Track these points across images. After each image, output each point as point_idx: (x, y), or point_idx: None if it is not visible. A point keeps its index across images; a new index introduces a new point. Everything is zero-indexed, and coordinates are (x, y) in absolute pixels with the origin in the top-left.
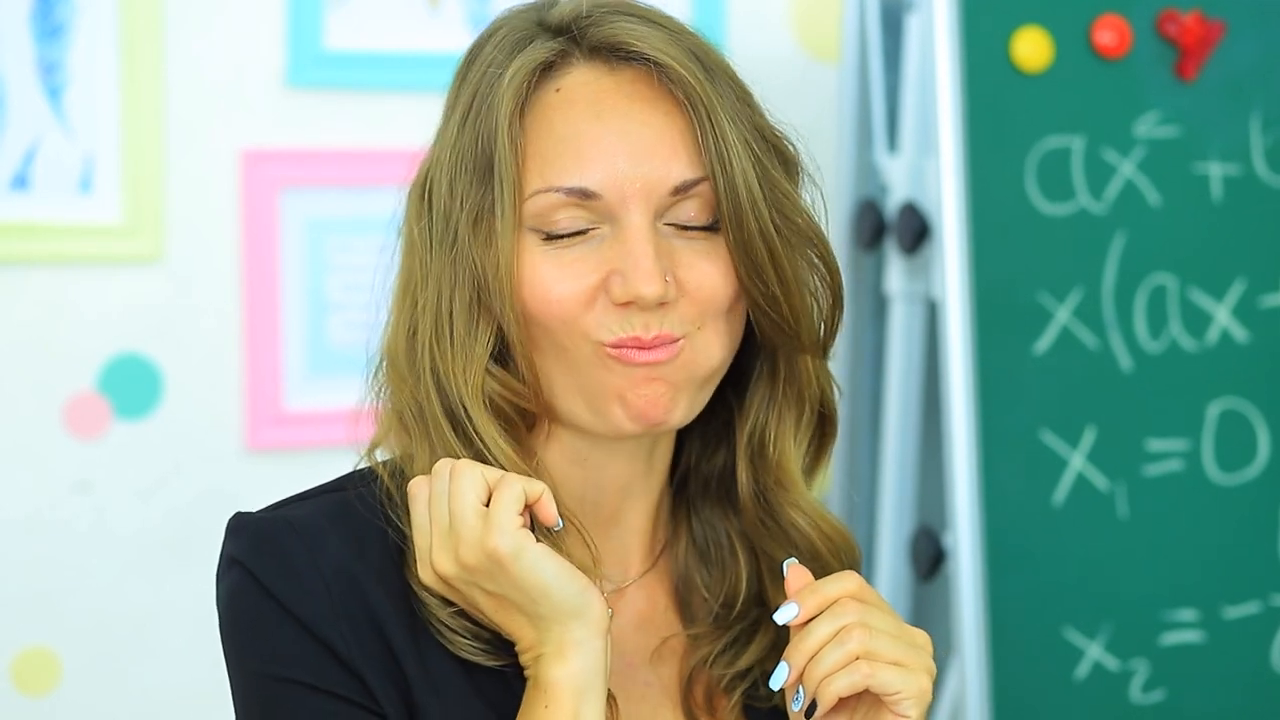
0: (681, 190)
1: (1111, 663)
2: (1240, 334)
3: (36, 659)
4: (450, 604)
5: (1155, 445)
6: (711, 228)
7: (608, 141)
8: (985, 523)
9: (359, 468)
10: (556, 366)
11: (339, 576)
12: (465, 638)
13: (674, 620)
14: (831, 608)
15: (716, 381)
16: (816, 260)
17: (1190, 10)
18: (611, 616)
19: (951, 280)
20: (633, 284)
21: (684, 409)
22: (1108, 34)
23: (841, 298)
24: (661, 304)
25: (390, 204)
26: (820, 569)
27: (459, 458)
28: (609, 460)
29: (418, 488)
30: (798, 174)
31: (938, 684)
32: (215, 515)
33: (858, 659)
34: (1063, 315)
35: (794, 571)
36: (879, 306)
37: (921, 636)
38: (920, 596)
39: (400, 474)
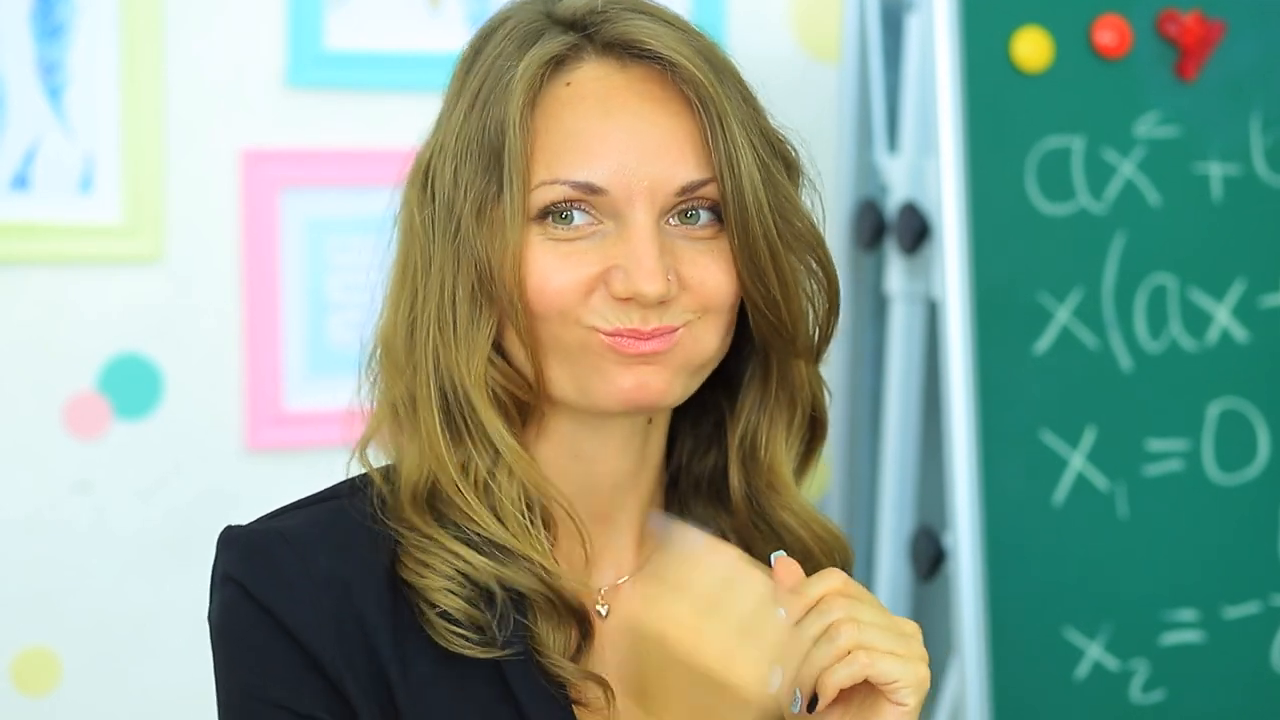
0: (688, 191)
1: (1111, 663)
2: (1240, 334)
3: (36, 659)
4: (434, 605)
5: (1155, 445)
6: (715, 228)
7: (617, 138)
8: (985, 523)
9: (351, 470)
10: (551, 354)
11: (329, 587)
12: (457, 630)
13: None
14: (818, 606)
15: (708, 371)
16: (815, 266)
17: (1190, 10)
18: (608, 611)
19: (951, 280)
20: (635, 281)
21: (676, 393)
22: (1108, 34)
23: (838, 304)
24: (662, 301)
25: (391, 204)
26: (813, 569)
27: (447, 451)
28: (602, 454)
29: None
30: (799, 178)
31: (937, 684)
32: (215, 515)
33: (856, 650)
34: (1063, 315)
35: (781, 564)
36: (879, 306)
37: (910, 626)
38: (920, 596)
39: (395, 476)
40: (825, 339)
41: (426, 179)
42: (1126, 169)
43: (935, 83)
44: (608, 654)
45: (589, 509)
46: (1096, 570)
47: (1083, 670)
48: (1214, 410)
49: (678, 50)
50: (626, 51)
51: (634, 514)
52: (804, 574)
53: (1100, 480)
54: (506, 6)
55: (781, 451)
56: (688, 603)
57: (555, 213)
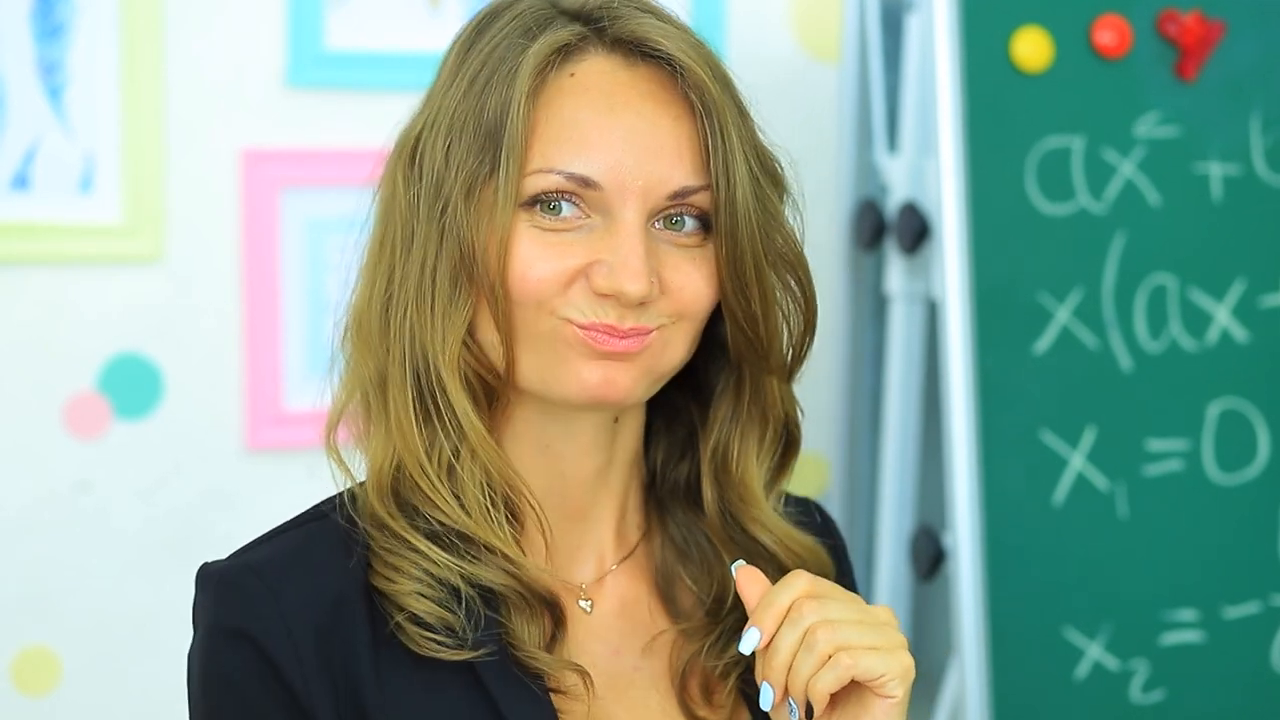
0: (680, 196)
1: (1111, 663)
2: (1240, 334)
3: (36, 659)
4: (405, 610)
5: (1155, 445)
6: (700, 237)
7: (616, 135)
8: (985, 523)
9: (332, 466)
10: (523, 341)
11: (301, 616)
12: (429, 635)
13: (658, 611)
14: (789, 615)
15: (668, 378)
16: (795, 285)
17: (1190, 10)
18: (592, 606)
19: (951, 280)
20: (619, 279)
21: (638, 394)
22: (1108, 34)
23: (814, 325)
24: (641, 302)
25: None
26: None
27: (415, 432)
28: (569, 450)
29: None
30: (784, 196)
31: (937, 684)
32: (215, 515)
33: (837, 652)
34: (1063, 315)
35: (743, 574)
36: (879, 306)
37: (884, 612)
38: (920, 596)
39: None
40: (799, 359)
41: (415, 154)
42: (1126, 169)
43: (935, 83)
44: (596, 647)
45: (561, 505)
46: (1096, 570)
47: (1083, 670)
48: (1214, 410)
49: (687, 54)
50: (636, 49)
51: (610, 510)
52: (768, 581)
53: (1100, 480)
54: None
55: (753, 466)
56: None
57: (544, 202)
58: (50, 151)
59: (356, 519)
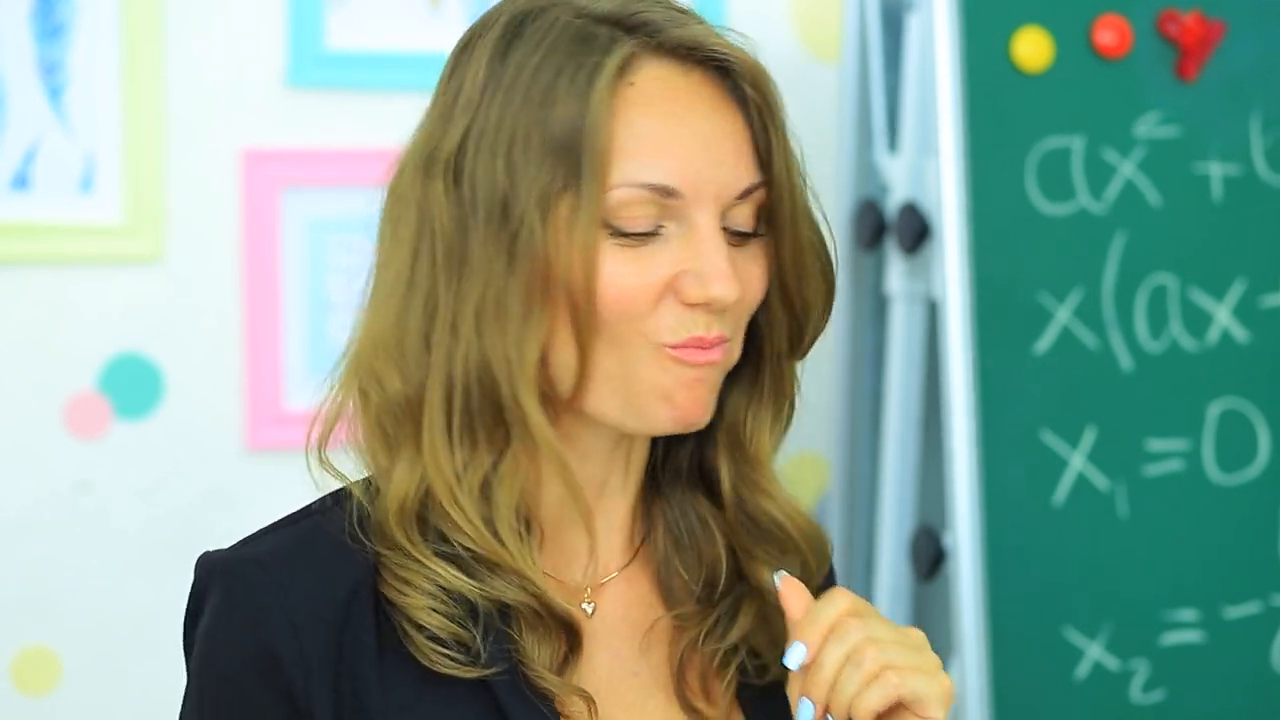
0: (745, 194)
1: (1111, 663)
2: (1240, 334)
3: (36, 659)
4: (417, 623)
5: (1155, 445)
6: (755, 234)
7: (689, 142)
8: (985, 523)
9: (319, 477)
10: (605, 361)
11: (306, 613)
12: (441, 650)
13: (658, 606)
14: (834, 631)
15: None
16: (824, 268)
17: (1190, 10)
18: (594, 611)
19: (951, 280)
20: (710, 286)
21: (713, 409)
22: (1108, 34)
23: (832, 306)
24: (725, 307)
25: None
26: (798, 562)
27: (450, 456)
28: (587, 461)
29: None
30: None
31: None
32: (215, 515)
33: (884, 671)
34: (1063, 315)
35: (787, 586)
36: (879, 306)
37: (918, 635)
38: (920, 596)
39: (374, 490)
40: (815, 339)
41: (455, 168)
42: (1127, 169)
43: (935, 83)
44: (598, 652)
45: (573, 511)
46: (1096, 570)
47: (1083, 670)
48: (1214, 410)
49: (738, 54)
50: (690, 54)
51: (620, 516)
52: (810, 594)
53: (1100, 480)
54: (522, 2)
55: (766, 443)
56: None
57: (626, 215)
58: (50, 151)
59: (365, 540)
